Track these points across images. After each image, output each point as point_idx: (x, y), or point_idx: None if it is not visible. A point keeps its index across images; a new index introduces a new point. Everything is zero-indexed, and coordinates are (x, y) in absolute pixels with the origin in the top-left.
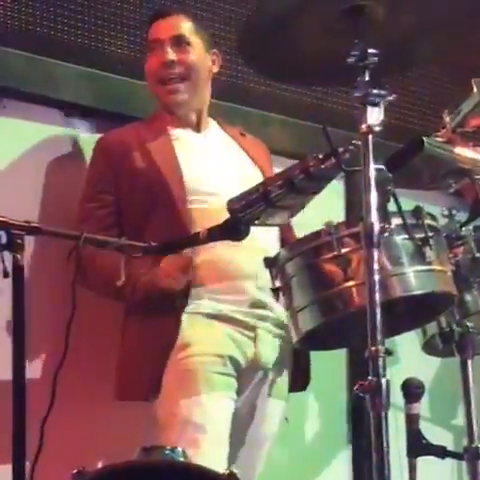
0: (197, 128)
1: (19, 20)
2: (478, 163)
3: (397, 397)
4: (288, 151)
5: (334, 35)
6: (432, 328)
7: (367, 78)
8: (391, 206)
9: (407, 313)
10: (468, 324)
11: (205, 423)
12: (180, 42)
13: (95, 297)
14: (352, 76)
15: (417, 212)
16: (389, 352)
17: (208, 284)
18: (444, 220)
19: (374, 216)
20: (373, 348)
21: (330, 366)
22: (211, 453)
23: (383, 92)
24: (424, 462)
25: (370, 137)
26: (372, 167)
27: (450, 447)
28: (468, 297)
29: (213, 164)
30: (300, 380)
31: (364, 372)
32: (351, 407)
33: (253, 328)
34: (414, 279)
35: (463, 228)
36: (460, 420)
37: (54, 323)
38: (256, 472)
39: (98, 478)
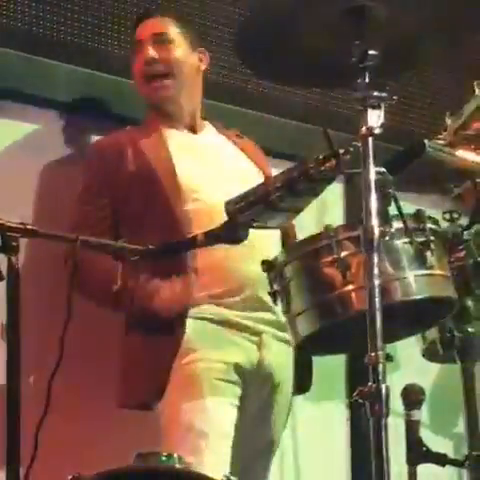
0: (192, 130)
1: (17, 20)
2: None
3: (397, 404)
4: (286, 153)
5: (334, 36)
6: (433, 334)
7: (367, 80)
8: (392, 209)
9: (407, 318)
10: (469, 329)
11: (208, 430)
12: (162, 40)
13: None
14: (352, 77)
15: (419, 216)
16: (389, 358)
17: (210, 289)
18: (445, 224)
19: (374, 219)
20: (373, 354)
21: (329, 372)
22: (213, 460)
23: (383, 95)
24: (424, 470)
25: (370, 139)
26: (372, 170)
27: (451, 454)
28: (469, 302)
29: (209, 164)
30: (302, 381)
31: (364, 378)
32: (350, 413)
33: (258, 333)
34: (414, 283)
35: (465, 232)
36: (461, 427)
37: (50, 326)
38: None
39: None
